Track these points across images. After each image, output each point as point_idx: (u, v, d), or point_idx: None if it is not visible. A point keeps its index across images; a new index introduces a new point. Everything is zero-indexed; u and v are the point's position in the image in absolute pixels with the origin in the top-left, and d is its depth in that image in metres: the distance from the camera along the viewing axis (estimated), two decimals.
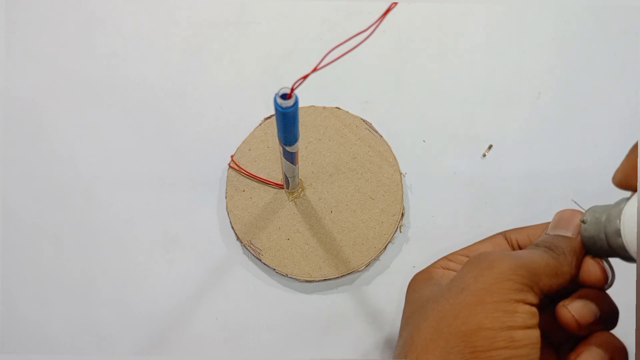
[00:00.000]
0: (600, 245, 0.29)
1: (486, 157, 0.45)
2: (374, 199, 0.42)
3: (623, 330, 0.31)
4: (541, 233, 0.32)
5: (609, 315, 0.30)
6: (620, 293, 0.31)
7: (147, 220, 0.44)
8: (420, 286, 0.33)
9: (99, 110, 0.46)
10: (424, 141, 0.45)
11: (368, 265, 0.41)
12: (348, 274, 0.41)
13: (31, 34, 0.47)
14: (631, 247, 0.27)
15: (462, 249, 0.36)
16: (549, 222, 0.32)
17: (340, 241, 0.41)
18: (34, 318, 0.42)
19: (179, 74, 0.46)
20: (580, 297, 0.29)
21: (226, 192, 0.43)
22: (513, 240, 0.34)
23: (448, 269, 0.34)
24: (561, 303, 0.29)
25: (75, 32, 0.47)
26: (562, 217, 0.31)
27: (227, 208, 0.42)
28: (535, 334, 0.27)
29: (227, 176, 0.43)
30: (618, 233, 0.28)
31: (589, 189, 0.44)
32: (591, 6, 0.48)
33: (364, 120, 0.44)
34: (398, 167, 0.43)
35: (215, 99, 0.46)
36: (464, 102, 0.46)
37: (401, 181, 0.42)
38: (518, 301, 0.27)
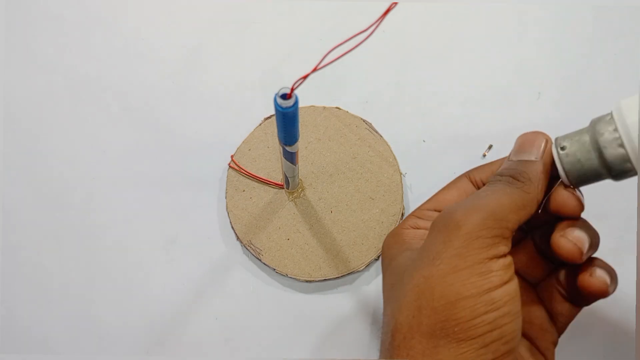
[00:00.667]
0: (589, 167, 0.28)
1: (486, 157, 0.45)
2: (374, 199, 0.42)
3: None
4: None
5: (594, 240, 0.29)
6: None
7: (147, 220, 0.44)
8: (394, 252, 0.32)
9: (99, 110, 0.46)
10: (424, 141, 0.45)
11: (368, 265, 0.41)
12: (348, 274, 0.41)
13: (31, 34, 0.47)
14: (635, 155, 0.26)
15: (428, 202, 0.34)
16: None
17: (340, 241, 0.41)
18: (34, 318, 0.42)
19: (179, 74, 0.46)
20: (572, 226, 0.28)
21: (226, 192, 0.43)
22: (477, 181, 0.33)
23: (418, 228, 0.33)
24: (558, 234, 0.28)
25: (75, 32, 0.47)
26: (525, 140, 0.30)
27: (227, 208, 0.42)
28: (513, 286, 0.26)
29: (227, 176, 0.43)
30: (618, 142, 0.26)
31: (589, 189, 0.44)
32: (591, 6, 0.48)
33: (364, 120, 0.44)
34: (398, 167, 0.43)
35: (215, 99, 0.46)
36: (464, 102, 0.46)
37: (401, 181, 0.42)
38: (491, 259, 0.26)
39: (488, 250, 0.26)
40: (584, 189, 0.30)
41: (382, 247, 0.34)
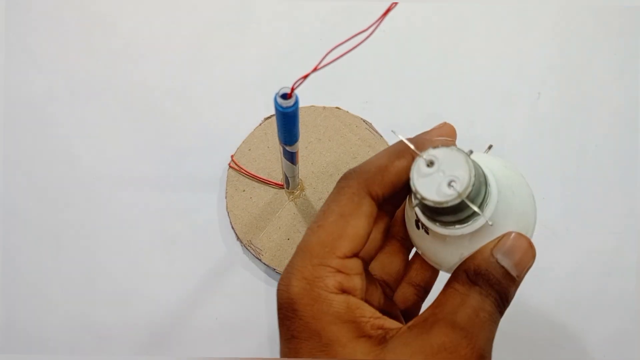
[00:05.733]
0: None
1: None
2: None
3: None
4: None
5: None
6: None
7: (147, 220, 0.43)
8: (324, 326, 0.25)
9: (99, 110, 0.46)
10: None
11: None
12: None
13: (31, 34, 0.47)
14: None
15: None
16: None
17: None
18: (34, 318, 0.42)
19: (179, 74, 0.46)
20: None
21: (226, 192, 0.43)
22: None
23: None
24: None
25: (75, 32, 0.47)
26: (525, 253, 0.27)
27: (227, 208, 0.42)
28: None
29: (227, 176, 0.43)
30: None
31: (589, 189, 0.44)
32: (591, 6, 0.48)
33: (364, 120, 0.44)
34: None
35: (216, 98, 0.46)
36: (464, 102, 0.46)
37: None
38: None
39: None
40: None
41: (290, 302, 0.26)
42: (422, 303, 0.31)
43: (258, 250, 0.41)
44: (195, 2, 0.48)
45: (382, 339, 0.25)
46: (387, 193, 0.27)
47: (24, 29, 0.47)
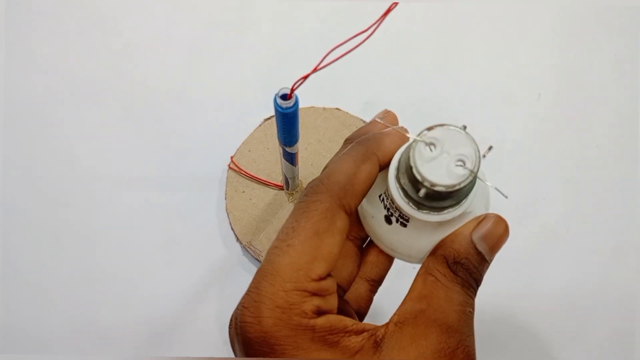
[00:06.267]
0: None
1: (486, 157, 0.45)
2: None
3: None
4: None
5: None
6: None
7: (147, 220, 0.43)
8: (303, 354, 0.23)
9: (100, 110, 0.46)
10: None
11: None
12: None
13: (31, 34, 0.47)
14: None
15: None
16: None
17: None
18: (34, 318, 0.42)
19: (179, 74, 0.46)
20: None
21: (226, 193, 0.43)
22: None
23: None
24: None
25: (76, 32, 0.47)
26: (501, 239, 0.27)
27: (226, 209, 0.42)
28: None
29: (227, 177, 0.43)
30: None
31: (589, 189, 0.44)
32: (591, 6, 0.48)
33: (363, 121, 0.44)
34: None
35: (215, 99, 0.46)
36: (464, 103, 0.46)
37: None
38: None
39: None
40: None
41: (265, 337, 0.23)
42: (374, 295, 0.30)
43: (258, 251, 0.41)
44: (195, 2, 0.48)
45: (374, 345, 0.23)
46: (359, 203, 0.25)
47: (24, 29, 0.47)
